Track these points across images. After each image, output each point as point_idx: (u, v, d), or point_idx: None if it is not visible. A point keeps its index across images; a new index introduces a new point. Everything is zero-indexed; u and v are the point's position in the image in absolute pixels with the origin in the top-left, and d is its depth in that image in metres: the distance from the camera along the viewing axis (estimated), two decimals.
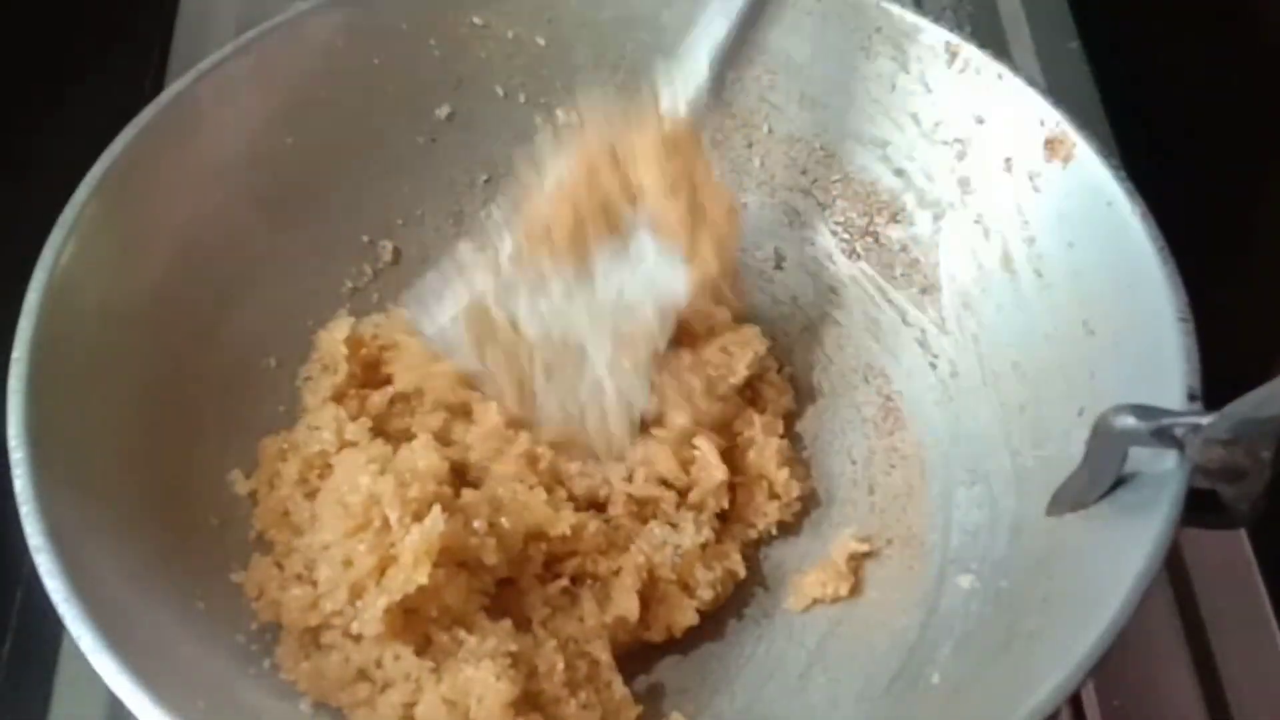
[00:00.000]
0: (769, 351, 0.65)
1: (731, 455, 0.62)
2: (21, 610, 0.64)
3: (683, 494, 0.61)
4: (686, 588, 0.59)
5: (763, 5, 0.59)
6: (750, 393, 0.65)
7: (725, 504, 0.61)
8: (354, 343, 0.63)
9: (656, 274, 0.59)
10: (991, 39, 0.88)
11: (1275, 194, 0.78)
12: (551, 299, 0.59)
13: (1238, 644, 0.66)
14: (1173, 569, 0.67)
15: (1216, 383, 0.48)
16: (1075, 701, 0.63)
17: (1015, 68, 0.60)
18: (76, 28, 0.81)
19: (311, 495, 0.58)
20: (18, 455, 0.48)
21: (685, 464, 0.60)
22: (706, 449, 0.60)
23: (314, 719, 0.52)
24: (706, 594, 0.59)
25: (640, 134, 0.58)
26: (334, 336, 0.62)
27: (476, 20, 0.66)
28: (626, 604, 0.57)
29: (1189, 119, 0.84)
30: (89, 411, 0.53)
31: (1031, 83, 0.59)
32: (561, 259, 0.59)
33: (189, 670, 0.48)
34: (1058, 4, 0.91)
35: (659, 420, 0.61)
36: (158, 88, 0.60)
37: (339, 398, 0.61)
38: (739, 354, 0.63)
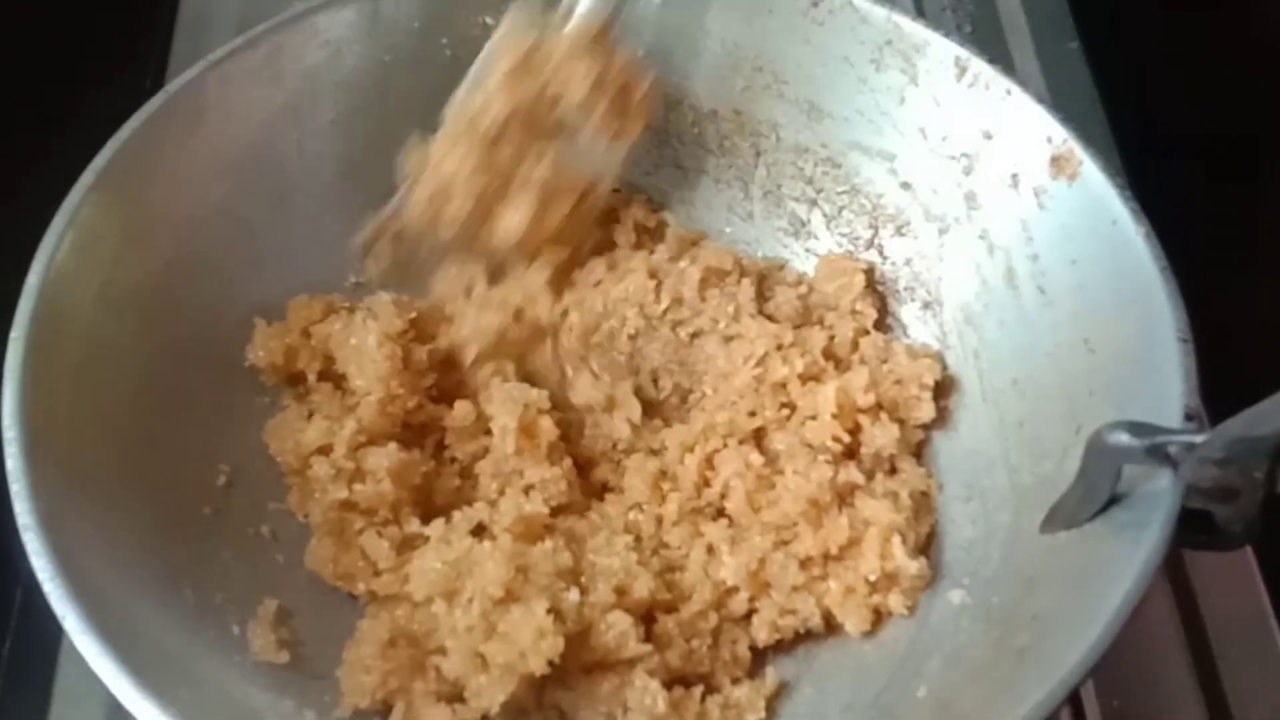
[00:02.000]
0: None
1: None
2: (21, 610, 0.64)
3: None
4: None
5: None
6: None
7: None
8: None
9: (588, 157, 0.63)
10: (991, 39, 0.88)
11: (1276, 194, 0.77)
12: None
13: (1238, 644, 0.65)
14: (1173, 570, 0.67)
15: (1222, 397, 0.48)
16: (1075, 701, 0.63)
17: (1024, 83, 0.60)
18: (77, 28, 0.81)
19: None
20: (10, 435, 0.49)
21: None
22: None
23: (299, 711, 0.51)
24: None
25: (553, 39, 0.61)
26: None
27: (489, 21, 0.66)
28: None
29: (1189, 119, 0.84)
30: (84, 395, 0.53)
31: (1040, 99, 0.59)
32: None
33: (174, 657, 0.48)
34: (1058, 4, 0.92)
35: None
36: (158, 88, 0.60)
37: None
38: None
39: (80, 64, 0.80)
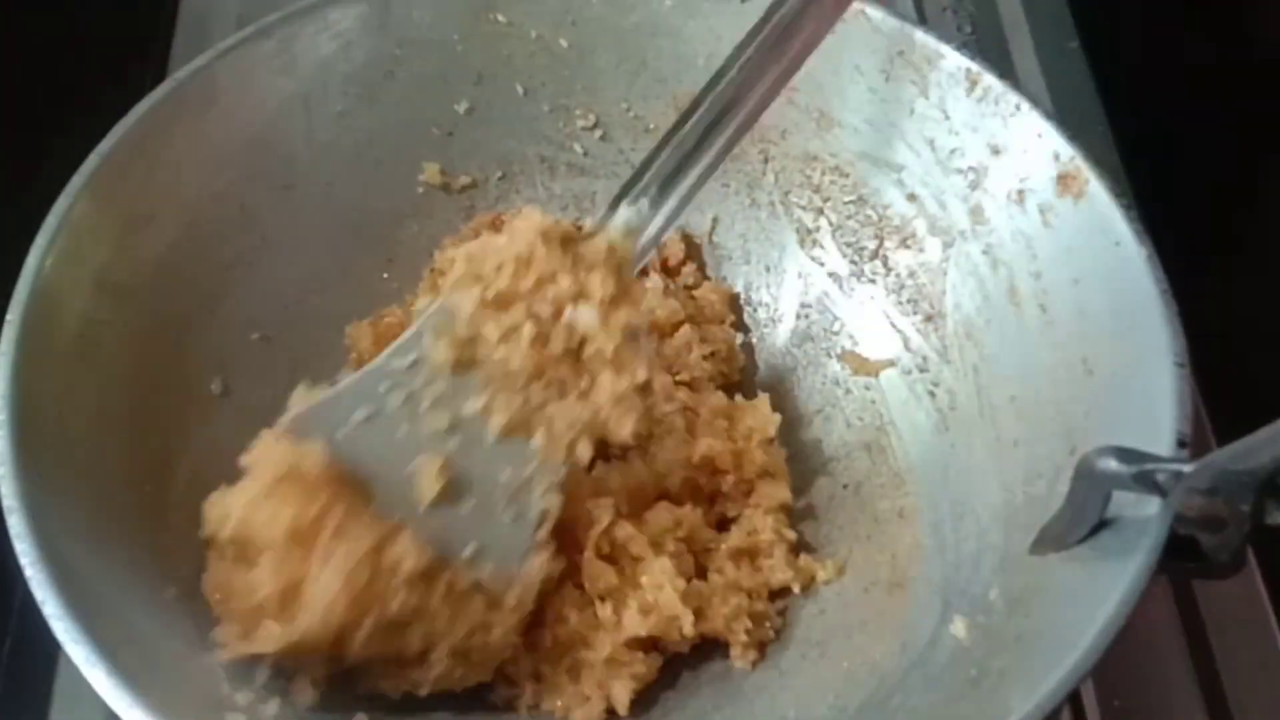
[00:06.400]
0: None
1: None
2: (21, 611, 0.64)
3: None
4: None
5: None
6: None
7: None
8: None
9: None
10: (991, 39, 0.88)
11: (1276, 192, 0.76)
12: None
13: (1238, 644, 0.65)
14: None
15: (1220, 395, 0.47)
16: (1075, 701, 0.63)
17: (1034, 100, 0.60)
18: (77, 28, 0.82)
19: None
20: (1, 417, 0.49)
21: None
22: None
23: (264, 700, 0.51)
24: None
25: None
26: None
27: (501, 18, 0.67)
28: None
29: (1189, 119, 0.83)
30: (79, 379, 0.53)
31: (1048, 116, 0.59)
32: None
33: (151, 647, 0.48)
34: (1058, 4, 0.91)
35: None
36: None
37: None
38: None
39: (80, 63, 0.80)
